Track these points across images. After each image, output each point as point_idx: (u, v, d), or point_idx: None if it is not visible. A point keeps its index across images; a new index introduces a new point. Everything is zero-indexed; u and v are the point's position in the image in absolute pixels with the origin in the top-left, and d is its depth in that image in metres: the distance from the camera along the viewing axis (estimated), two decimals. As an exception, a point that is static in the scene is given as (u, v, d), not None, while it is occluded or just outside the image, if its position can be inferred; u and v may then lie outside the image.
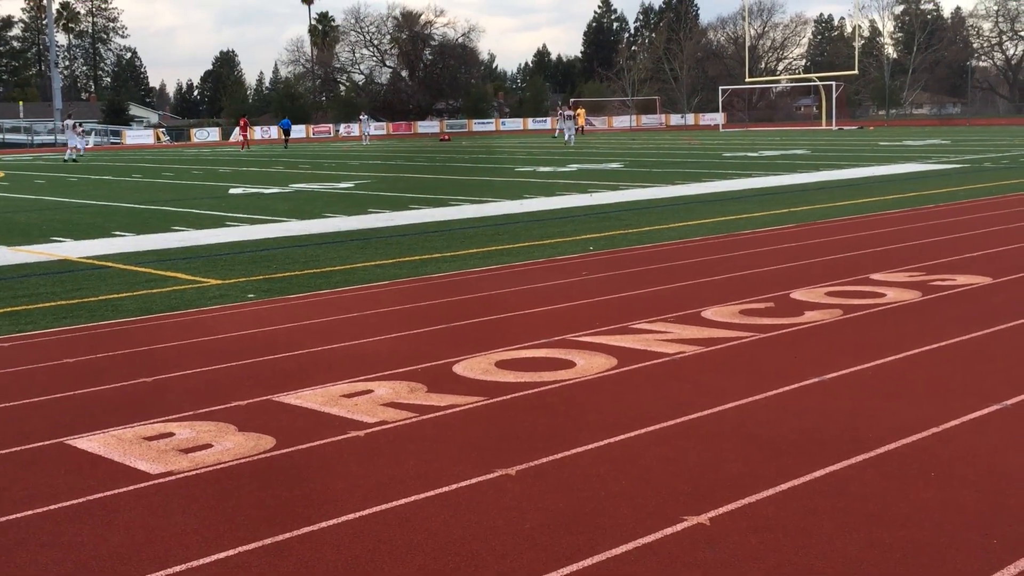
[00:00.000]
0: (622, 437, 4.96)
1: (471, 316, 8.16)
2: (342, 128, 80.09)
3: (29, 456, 4.98)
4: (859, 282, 9.05)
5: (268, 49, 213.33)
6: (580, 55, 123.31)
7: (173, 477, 4.58)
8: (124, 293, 9.71)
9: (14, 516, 4.20)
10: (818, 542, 3.70)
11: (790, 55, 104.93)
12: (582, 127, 65.98)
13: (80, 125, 48.18)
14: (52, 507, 4.28)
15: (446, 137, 65.70)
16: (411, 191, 21.68)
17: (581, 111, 68.29)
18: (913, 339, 6.81)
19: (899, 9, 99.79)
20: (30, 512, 4.23)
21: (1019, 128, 56.49)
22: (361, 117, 65.48)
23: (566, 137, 49.15)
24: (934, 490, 4.17)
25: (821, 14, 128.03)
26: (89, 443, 5.12)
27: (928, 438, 4.81)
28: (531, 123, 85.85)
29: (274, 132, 77.83)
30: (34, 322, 8.41)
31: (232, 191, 23.27)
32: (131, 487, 4.48)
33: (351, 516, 4.07)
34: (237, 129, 61.41)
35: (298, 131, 78.65)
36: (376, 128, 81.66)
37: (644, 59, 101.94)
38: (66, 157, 42.35)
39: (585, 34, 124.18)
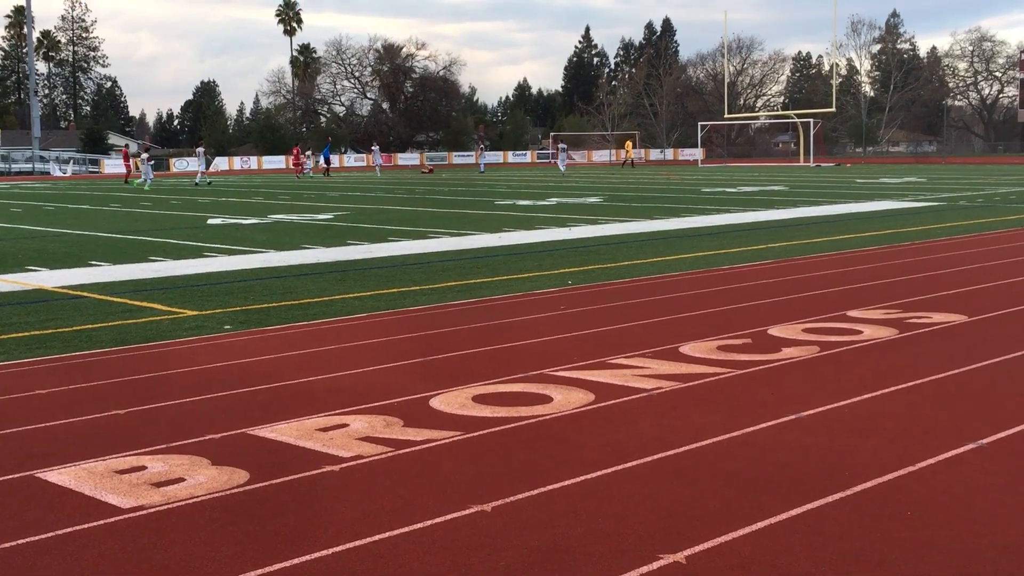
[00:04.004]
0: (599, 473, 4.94)
1: (448, 350, 8.13)
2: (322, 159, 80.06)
3: (-2, 489, 4.91)
4: (836, 319, 9.09)
5: (249, 79, 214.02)
6: (560, 89, 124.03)
7: (144, 511, 4.52)
8: (99, 324, 9.63)
9: (-19, 551, 4.13)
10: (794, 581, 3.68)
11: (769, 92, 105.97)
12: (631, 160, 67.48)
13: (206, 151, 54.32)
14: (19, 542, 4.21)
15: (429, 169, 65.91)
16: (390, 223, 21.68)
17: (628, 143, 69.66)
18: (889, 377, 6.83)
19: (876, 48, 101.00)
20: (-3, 547, 4.16)
21: (994, 167, 57.12)
22: (373, 148, 65.80)
23: (562, 169, 55.69)
24: (909, 529, 4.16)
25: (799, 52, 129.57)
26: (59, 476, 5.05)
27: (904, 477, 4.82)
28: (511, 156, 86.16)
29: (254, 163, 77.85)
30: (7, 352, 8.32)
31: (211, 221, 23.20)
32: (101, 521, 4.41)
33: (324, 552, 4.02)
34: (291, 157, 64.08)
35: (277, 162, 78.63)
36: (356, 159, 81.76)
37: (624, 94, 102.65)
38: (198, 181, 47.21)
39: (566, 68, 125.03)
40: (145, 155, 50.58)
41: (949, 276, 11.98)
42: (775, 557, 3.90)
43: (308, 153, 60.71)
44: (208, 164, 50.00)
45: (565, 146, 60.88)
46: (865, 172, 51.03)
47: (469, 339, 8.61)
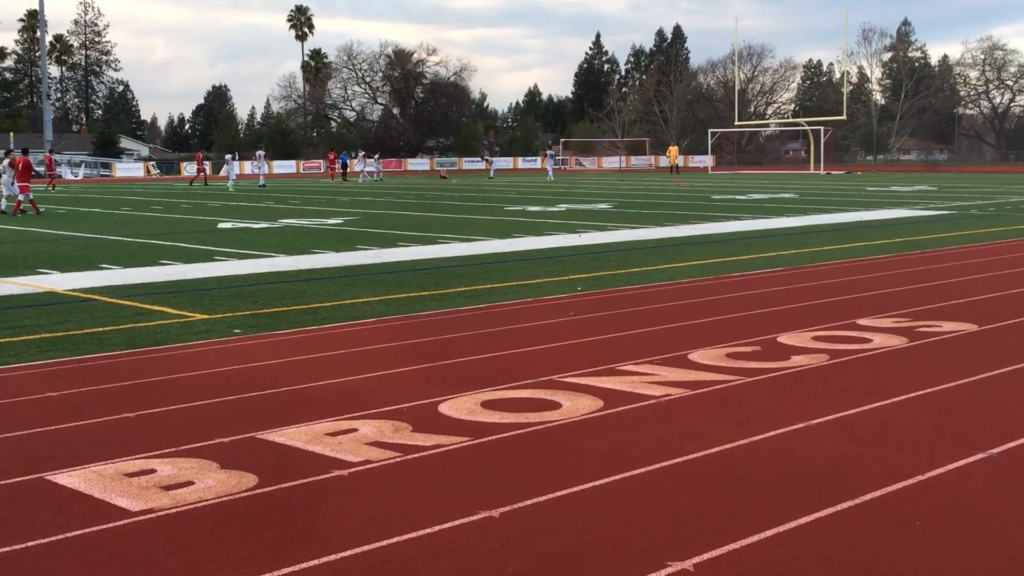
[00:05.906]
0: (607, 480, 4.93)
1: (458, 355, 8.14)
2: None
3: (7, 492, 4.93)
4: (846, 327, 9.07)
5: (261, 84, 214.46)
6: (571, 95, 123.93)
7: (153, 515, 4.53)
8: (110, 327, 9.66)
9: (-10, 552, 4.14)
10: (802, 590, 3.67)
11: (779, 99, 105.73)
12: (676, 166, 67.88)
13: (265, 156, 56.73)
14: (29, 544, 4.22)
15: (444, 175, 66.06)
16: (400, 228, 21.71)
17: (674, 148, 69.89)
18: (898, 386, 6.81)
19: (887, 56, 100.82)
20: (7, 549, 4.17)
21: (1005, 175, 56.95)
22: (361, 153, 65.71)
23: (549, 175, 56.83)
24: (919, 538, 4.15)
25: (810, 59, 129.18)
26: (69, 479, 5.06)
27: (913, 486, 4.80)
28: (521, 162, 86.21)
29: (265, 167, 77.97)
30: (17, 355, 8.35)
31: (221, 225, 23.26)
32: (110, 524, 4.43)
33: (333, 557, 4.03)
34: (327, 161, 65.66)
35: (288, 166, 78.79)
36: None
37: (634, 101, 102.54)
38: (262, 182, 49.03)
39: (576, 75, 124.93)
40: (229, 156, 50.29)
41: (960, 285, 11.94)
42: (783, 565, 3.89)
43: (375, 158, 60.78)
44: (262, 168, 51.26)
45: (554, 152, 60.80)
46: (876, 180, 50.94)
47: (478, 345, 8.61)
